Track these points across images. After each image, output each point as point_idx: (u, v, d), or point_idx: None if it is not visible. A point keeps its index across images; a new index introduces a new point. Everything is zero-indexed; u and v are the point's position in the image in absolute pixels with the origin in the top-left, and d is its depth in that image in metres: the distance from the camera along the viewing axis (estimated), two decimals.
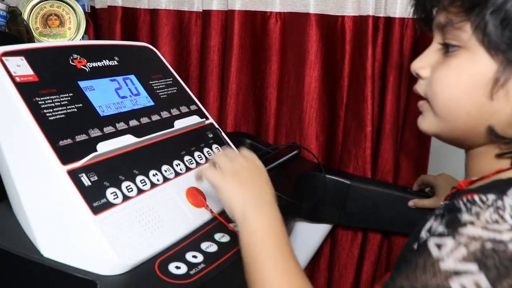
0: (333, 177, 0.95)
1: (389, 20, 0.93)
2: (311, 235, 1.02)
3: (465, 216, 0.46)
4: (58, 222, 0.53)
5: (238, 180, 0.59)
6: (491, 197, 0.46)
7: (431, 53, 0.55)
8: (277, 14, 1.02)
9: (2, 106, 0.56)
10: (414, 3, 0.60)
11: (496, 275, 0.41)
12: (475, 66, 0.50)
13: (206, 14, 1.06)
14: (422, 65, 0.56)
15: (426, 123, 0.57)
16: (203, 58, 1.09)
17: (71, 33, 1.26)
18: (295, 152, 0.92)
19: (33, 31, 1.20)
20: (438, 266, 0.43)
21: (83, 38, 1.24)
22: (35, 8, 1.23)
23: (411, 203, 0.90)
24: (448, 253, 0.44)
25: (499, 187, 0.48)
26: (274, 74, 1.04)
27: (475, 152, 0.56)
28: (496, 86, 0.49)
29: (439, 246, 0.45)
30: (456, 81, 0.52)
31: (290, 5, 1.01)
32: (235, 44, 1.03)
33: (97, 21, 1.28)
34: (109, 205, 0.55)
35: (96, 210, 0.53)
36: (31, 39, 1.15)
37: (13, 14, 1.14)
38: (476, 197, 0.47)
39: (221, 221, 0.64)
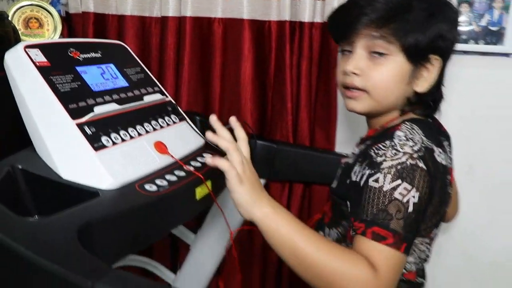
0: (263, 143, 1.26)
1: (301, 23, 1.25)
2: None
3: (378, 159, 0.78)
4: (72, 157, 0.81)
5: (252, 187, 0.75)
6: (387, 142, 0.79)
7: (359, 59, 0.85)
8: (220, 20, 1.32)
9: (29, 81, 0.83)
10: (337, 25, 0.91)
11: (410, 180, 0.74)
12: (399, 67, 0.83)
13: (164, 19, 1.34)
14: (355, 68, 0.85)
15: (361, 106, 0.88)
16: (162, 54, 1.37)
17: (49, 34, 1.50)
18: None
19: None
20: (383, 190, 0.74)
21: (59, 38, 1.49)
22: (17, 12, 1.46)
23: None
24: (382, 181, 0.75)
25: (389, 134, 0.81)
26: (217, 66, 1.34)
27: (382, 115, 0.89)
28: (412, 78, 0.84)
29: (376, 181, 0.76)
30: (389, 77, 0.84)
31: (230, 12, 1.31)
32: (187, 43, 1.32)
33: (71, 24, 1.53)
34: (104, 146, 0.83)
35: (96, 149, 0.81)
36: (17, 39, 1.39)
37: (1, 17, 1.38)
38: (380, 145, 0.79)
39: (179, 163, 0.93)
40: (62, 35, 1.53)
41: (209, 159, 0.77)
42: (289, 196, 1.35)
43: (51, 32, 1.50)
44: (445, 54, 0.85)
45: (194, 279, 1.55)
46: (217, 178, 0.92)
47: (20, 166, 0.79)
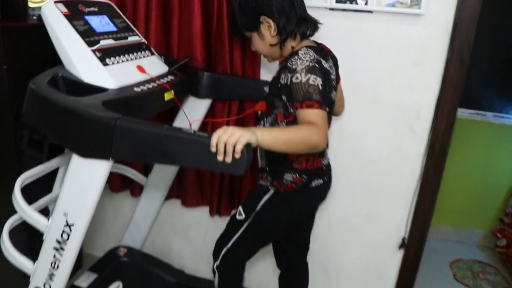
0: (209, 73, 1.81)
1: None
2: (197, 108, 1.87)
3: (293, 66, 1.33)
4: (89, 69, 1.34)
5: (244, 131, 1.08)
6: (295, 57, 1.35)
7: (251, 40, 1.46)
8: None
9: (59, 24, 1.35)
10: (232, 31, 1.54)
11: (314, 73, 1.31)
12: (256, 37, 1.45)
13: None
14: (252, 47, 1.47)
15: (270, 60, 1.51)
16: (135, 11, 1.88)
17: None
18: (188, 58, 1.76)
19: None
20: (302, 82, 1.27)
21: None
22: None
23: None
24: (300, 77, 1.30)
25: (294, 55, 1.37)
26: (175, 20, 1.86)
27: (281, 55, 1.47)
28: (263, 35, 1.43)
29: (296, 78, 1.29)
30: (259, 45, 1.45)
31: None
32: (153, 3, 1.85)
33: None
34: (107, 64, 1.36)
35: (104, 65, 1.34)
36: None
37: None
38: (292, 60, 1.35)
39: (153, 78, 1.47)
40: None
41: (221, 157, 1.07)
42: (229, 110, 1.92)
43: None
44: (266, 9, 1.40)
45: (161, 181, 2.11)
46: (177, 89, 1.48)
47: (60, 74, 1.32)
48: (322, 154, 1.54)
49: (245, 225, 1.55)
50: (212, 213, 2.15)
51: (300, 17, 1.42)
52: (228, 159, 1.06)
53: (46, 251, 1.35)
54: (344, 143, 1.92)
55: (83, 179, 1.22)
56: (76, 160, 1.20)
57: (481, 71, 3.10)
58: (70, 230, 1.29)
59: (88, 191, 1.23)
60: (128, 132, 1.11)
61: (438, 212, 3.19)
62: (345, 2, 1.74)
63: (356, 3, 1.72)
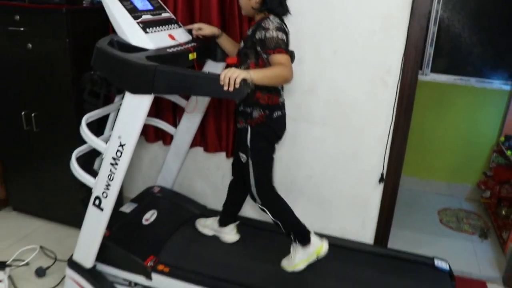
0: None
1: None
2: (215, 69, 2.37)
3: (266, 26, 1.84)
4: (135, 36, 1.85)
5: (242, 71, 1.60)
6: (267, 20, 1.86)
7: None
8: None
9: (113, 5, 1.87)
10: None
11: (281, 31, 1.86)
12: None
13: None
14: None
15: (243, 12, 2.01)
16: None
17: None
18: None
19: None
20: (274, 36, 1.81)
21: None
22: None
23: None
24: (272, 33, 1.82)
25: (266, 18, 1.89)
26: (197, 5, 2.37)
27: (255, 16, 1.97)
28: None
29: (270, 34, 1.83)
30: (244, 2, 1.93)
31: None
32: None
33: None
34: (148, 32, 1.88)
35: (145, 33, 1.87)
36: None
37: None
38: (265, 21, 1.86)
39: (181, 44, 1.99)
40: None
41: (226, 87, 1.60)
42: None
43: None
44: None
45: (187, 131, 2.63)
46: (198, 52, 1.99)
47: (115, 39, 1.85)
48: (279, 93, 2.04)
49: (250, 162, 2.05)
50: (228, 156, 2.67)
51: (280, 1, 1.93)
52: (231, 89, 1.57)
53: (105, 167, 1.89)
54: (331, 95, 2.40)
55: (133, 109, 1.75)
56: (128, 96, 1.73)
57: (466, 40, 3.52)
58: (122, 149, 1.83)
59: (136, 118, 1.76)
60: (164, 74, 1.63)
61: (430, 168, 3.70)
62: None
63: None
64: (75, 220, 2.68)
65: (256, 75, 1.69)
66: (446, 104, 3.56)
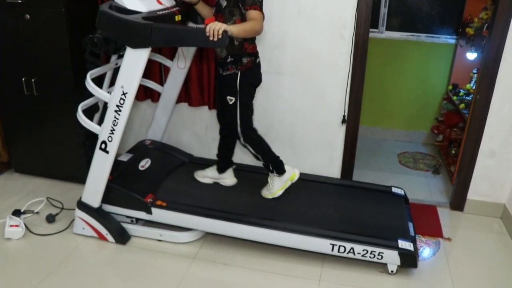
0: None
1: None
2: None
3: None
4: (130, 0, 2.19)
5: (221, 24, 1.98)
6: None
7: None
8: None
9: None
10: None
11: None
12: None
13: None
14: None
15: None
16: None
17: None
18: None
19: None
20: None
21: None
22: None
23: None
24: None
25: None
26: None
27: None
28: None
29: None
30: None
31: None
32: None
33: None
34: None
35: None
36: None
37: None
38: None
39: (168, 8, 2.32)
40: None
41: (211, 37, 1.98)
42: None
43: None
44: None
45: (173, 88, 2.98)
46: (182, 15, 2.33)
47: (113, 4, 2.17)
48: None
49: (238, 103, 2.41)
50: (210, 108, 3.05)
51: None
52: (215, 39, 1.95)
53: (110, 114, 2.24)
54: (296, 49, 2.79)
55: (133, 61, 2.10)
56: (129, 50, 2.08)
57: (416, 1, 3.93)
58: (125, 97, 2.17)
59: (136, 69, 2.11)
60: (159, 30, 1.99)
61: (389, 117, 4.14)
62: None
63: None
64: (76, 177, 3.04)
65: (234, 28, 2.08)
66: (401, 59, 3.98)
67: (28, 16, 2.68)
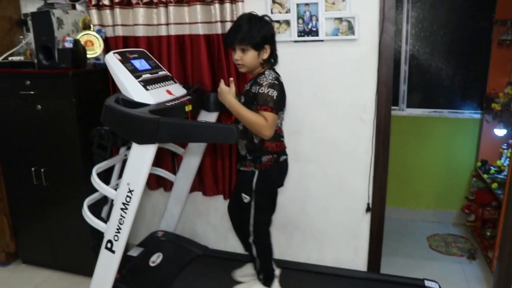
0: (214, 93, 2.57)
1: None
2: (209, 119, 2.62)
3: (261, 82, 2.09)
4: (137, 93, 2.10)
5: (231, 98, 2.06)
6: (263, 76, 2.12)
7: (237, 54, 2.15)
8: (188, 35, 2.64)
9: (116, 66, 2.13)
10: (227, 45, 2.27)
11: (273, 88, 2.07)
12: (253, 53, 2.13)
13: (160, 37, 2.66)
14: (236, 57, 2.16)
15: (244, 70, 2.20)
16: (160, 53, 2.67)
17: (97, 49, 2.77)
18: (200, 84, 2.54)
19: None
20: (264, 93, 2.04)
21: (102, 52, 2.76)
22: (81, 37, 2.72)
23: None
24: (264, 90, 2.05)
25: (262, 74, 2.14)
26: (189, 58, 2.65)
27: (253, 71, 2.20)
28: (259, 56, 2.15)
29: (262, 90, 2.05)
30: (251, 58, 2.14)
31: (194, 30, 2.62)
32: (172, 48, 2.64)
33: (107, 43, 2.82)
34: (148, 89, 2.13)
35: (146, 90, 2.11)
36: (85, 52, 2.67)
37: (78, 41, 2.65)
38: (260, 77, 2.12)
39: (177, 97, 2.24)
40: (104, 50, 2.80)
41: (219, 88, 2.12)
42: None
43: (97, 47, 2.77)
44: (271, 42, 2.14)
45: (186, 177, 2.85)
46: (193, 104, 2.24)
47: (120, 97, 2.09)
48: (283, 139, 2.27)
49: (252, 203, 2.23)
50: (225, 197, 2.88)
51: (275, 52, 2.20)
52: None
53: (116, 212, 2.09)
54: (314, 134, 2.65)
55: (140, 158, 1.97)
56: (135, 146, 1.96)
57: (435, 76, 3.82)
58: (131, 195, 2.03)
59: (142, 166, 1.98)
60: (166, 125, 1.86)
61: (415, 197, 3.91)
62: (303, 36, 2.51)
63: (312, 36, 2.48)
64: (83, 269, 2.88)
65: (236, 106, 2.06)
66: (424, 136, 3.82)
67: (39, 106, 2.66)
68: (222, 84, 2.12)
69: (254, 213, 2.24)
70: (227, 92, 2.10)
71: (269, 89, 2.03)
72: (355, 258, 2.80)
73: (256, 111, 2.06)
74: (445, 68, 3.79)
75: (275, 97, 2.03)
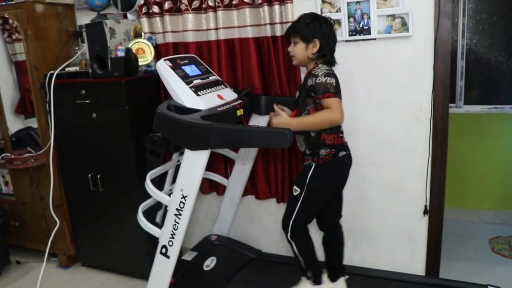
0: (266, 96, 2.54)
1: (276, 37, 2.54)
2: (260, 122, 2.60)
3: (317, 73, 2.08)
4: (189, 99, 2.11)
5: (288, 120, 2.10)
6: (317, 67, 2.11)
7: (291, 46, 2.19)
8: (237, 39, 2.63)
9: (168, 73, 2.15)
10: (286, 36, 2.28)
11: (330, 76, 2.07)
12: (301, 45, 2.15)
13: (209, 42, 2.66)
14: (290, 49, 2.20)
15: (295, 62, 2.23)
16: (210, 58, 2.68)
17: (148, 55, 2.82)
18: (250, 87, 2.53)
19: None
20: (323, 81, 2.05)
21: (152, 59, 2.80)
22: (133, 46, 2.78)
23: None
24: (321, 79, 2.04)
25: (316, 67, 2.13)
26: (239, 61, 2.64)
27: (307, 65, 2.21)
28: (307, 48, 2.15)
29: (319, 80, 2.03)
30: (300, 50, 2.16)
31: (244, 33, 2.62)
32: (222, 52, 2.64)
33: (158, 50, 2.86)
34: (199, 95, 2.14)
35: (197, 95, 2.11)
36: (137, 59, 2.72)
37: (130, 50, 2.70)
38: (315, 69, 2.11)
39: (229, 102, 2.23)
40: (155, 57, 2.84)
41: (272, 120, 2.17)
42: None
43: (149, 55, 2.81)
44: (321, 37, 2.11)
45: (239, 181, 2.84)
46: (245, 108, 2.22)
47: (172, 103, 2.11)
48: (343, 135, 2.23)
49: (301, 197, 2.19)
50: (278, 201, 2.85)
51: (331, 51, 2.17)
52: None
53: (170, 218, 2.10)
54: (369, 135, 2.57)
55: (192, 164, 1.97)
56: (188, 152, 1.96)
57: (495, 70, 3.63)
58: (185, 200, 2.04)
59: (195, 172, 1.98)
60: (219, 131, 1.86)
61: (476, 197, 3.74)
62: (355, 35, 2.44)
63: (363, 34, 2.42)
64: (140, 273, 2.91)
65: (295, 123, 2.08)
66: (483, 133, 3.64)
67: (94, 115, 2.72)
68: (273, 120, 2.17)
69: (299, 208, 2.20)
70: (284, 118, 2.14)
71: (326, 77, 2.04)
72: (412, 263, 2.70)
73: (315, 104, 2.09)
74: (506, 61, 3.59)
75: (334, 83, 2.04)
